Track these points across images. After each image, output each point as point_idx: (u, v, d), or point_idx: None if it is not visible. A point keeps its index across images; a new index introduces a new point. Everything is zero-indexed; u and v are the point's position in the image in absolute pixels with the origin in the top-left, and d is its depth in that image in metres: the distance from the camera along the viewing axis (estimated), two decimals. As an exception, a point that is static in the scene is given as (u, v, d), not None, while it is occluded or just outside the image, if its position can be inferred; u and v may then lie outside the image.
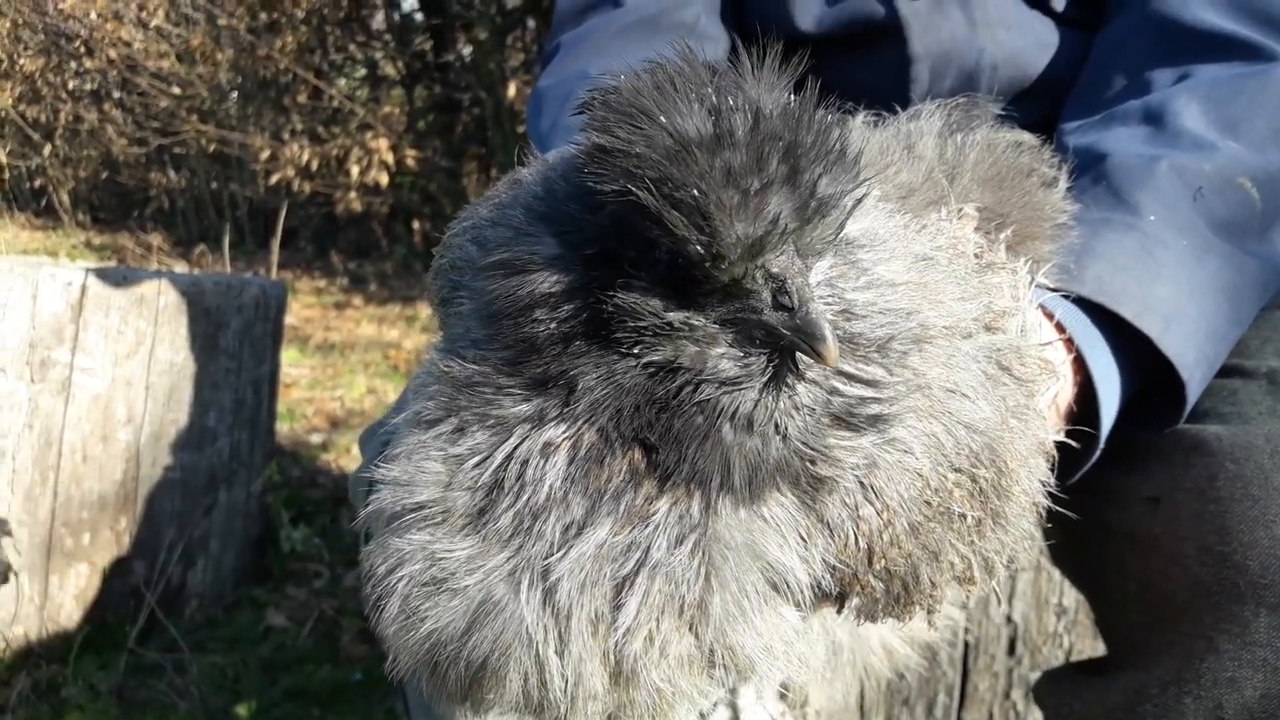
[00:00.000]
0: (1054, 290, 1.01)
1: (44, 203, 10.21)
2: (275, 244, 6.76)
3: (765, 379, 0.65)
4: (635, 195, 0.59)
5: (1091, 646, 1.86)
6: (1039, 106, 1.36)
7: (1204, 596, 0.98)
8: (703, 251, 0.59)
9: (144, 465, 3.02)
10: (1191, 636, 0.99)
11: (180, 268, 7.71)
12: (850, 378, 0.68)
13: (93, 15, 8.21)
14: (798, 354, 0.63)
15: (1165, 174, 1.09)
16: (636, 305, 0.63)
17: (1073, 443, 0.97)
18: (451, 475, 0.69)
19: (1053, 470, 0.87)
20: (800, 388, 0.66)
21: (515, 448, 0.68)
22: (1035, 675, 1.82)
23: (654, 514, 0.67)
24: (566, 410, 0.67)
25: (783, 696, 1.06)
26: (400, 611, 0.70)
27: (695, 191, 0.58)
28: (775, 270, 0.61)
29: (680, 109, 0.59)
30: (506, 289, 0.68)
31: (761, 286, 0.62)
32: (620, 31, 1.43)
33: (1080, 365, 1.00)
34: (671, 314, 0.63)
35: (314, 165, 7.29)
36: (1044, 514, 0.88)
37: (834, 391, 0.68)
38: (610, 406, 0.66)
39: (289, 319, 6.56)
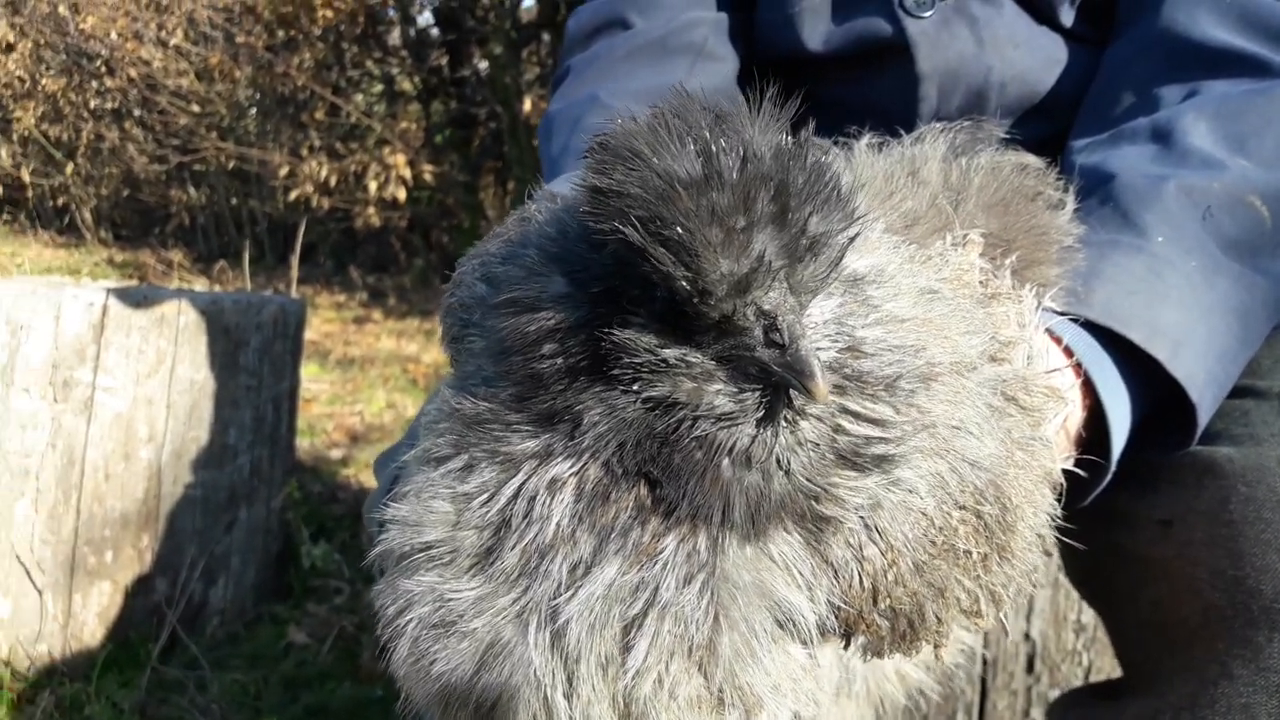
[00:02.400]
0: (1062, 314, 1.01)
1: (66, 221, 10.31)
2: (294, 259, 6.81)
3: (760, 415, 0.66)
4: (625, 234, 0.60)
5: (1111, 664, 1.85)
6: (1048, 123, 1.36)
7: (1218, 621, 0.98)
8: (689, 288, 0.60)
9: (165, 483, 3.04)
10: (1205, 662, 0.98)
11: (201, 284, 7.78)
12: (857, 416, 0.69)
13: (113, 35, 8.29)
14: (791, 390, 0.64)
15: (1173, 194, 1.08)
16: (632, 341, 0.64)
17: (1081, 472, 0.96)
18: (459, 514, 0.70)
19: (1061, 497, 0.87)
20: (804, 424, 0.67)
21: (522, 484, 0.68)
22: (1054, 693, 1.82)
23: (662, 552, 0.67)
24: (572, 445, 0.68)
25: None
26: (410, 654, 0.71)
27: (679, 229, 0.59)
28: (767, 308, 0.62)
29: (672, 151, 0.60)
30: (516, 326, 0.69)
31: (753, 324, 0.62)
32: (629, 54, 1.44)
33: (1089, 389, 1.00)
34: (668, 351, 0.64)
35: (332, 181, 7.34)
36: (1056, 539, 0.88)
37: (839, 430, 0.68)
38: (613, 441, 0.67)
39: (309, 334, 6.60)
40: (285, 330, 3.30)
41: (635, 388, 0.66)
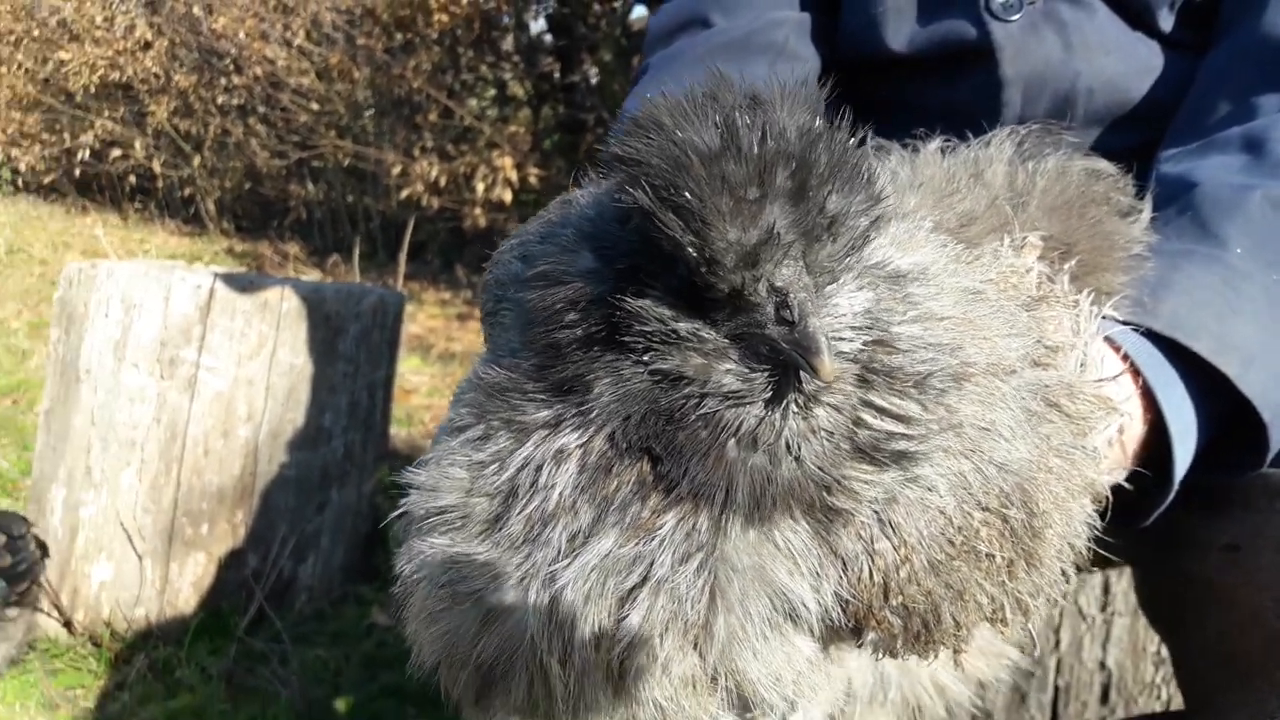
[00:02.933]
0: (1125, 324, 0.98)
1: (192, 211, 10.74)
2: (402, 256, 6.98)
3: (768, 395, 0.65)
4: (638, 199, 0.61)
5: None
6: (1141, 132, 1.32)
7: (1279, 651, 0.94)
8: (696, 255, 0.61)
9: (261, 461, 3.16)
10: (1267, 692, 0.94)
11: (314, 276, 8.02)
12: (881, 411, 0.68)
13: (241, 35, 8.62)
14: (800, 371, 0.63)
15: (1258, 205, 1.04)
16: (645, 311, 0.65)
17: (1128, 485, 0.93)
18: (473, 481, 0.72)
19: (1107, 511, 0.85)
20: (820, 411, 0.66)
21: (531, 453, 0.70)
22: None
23: (660, 528, 0.68)
24: (580, 416, 0.69)
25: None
26: (419, 612, 0.73)
27: (689, 195, 0.60)
28: (779, 284, 0.62)
29: (694, 123, 0.61)
30: (542, 297, 0.71)
31: (766, 300, 0.63)
32: (709, 53, 1.45)
33: (1150, 402, 0.96)
34: (680, 324, 0.65)
35: (442, 181, 7.50)
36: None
37: (860, 423, 0.68)
38: (620, 413, 0.68)
39: (413, 329, 6.77)
40: (384, 320, 3.39)
41: (646, 359, 0.66)
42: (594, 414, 0.68)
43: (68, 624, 3.03)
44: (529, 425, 0.71)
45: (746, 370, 0.65)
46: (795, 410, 0.66)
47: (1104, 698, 1.79)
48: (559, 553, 0.69)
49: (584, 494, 0.68)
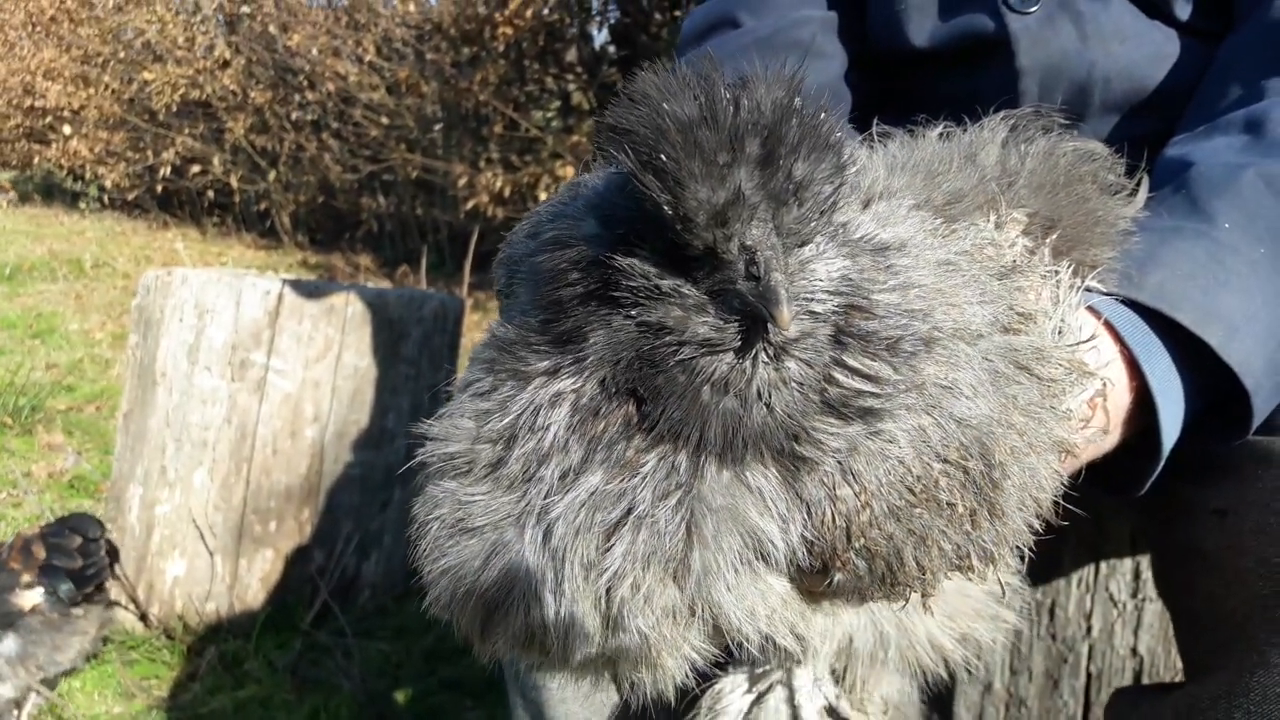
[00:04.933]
0: (1109, 295, 1.01)
1: (268, 224, 11.05)
2: (467, 265, 7.11)
3: (738, 344, 0.71)
4: (623, 162, 0.68)
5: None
6: (1158, 119, 1.34)
7: (1260, 610, 0.96)
8: (671, 212, 0.67)
9: (327, 461, 3.26)
10: (1245, 651, 0.97)
11: (384, 286, 8.20)
12: (853, 371, 0.73)
13: (315, 52, 8.88)
14: (767, 323, 0.69)
15: (1250, 181, 1.06)
16: (631, 268, 0.71)
17: (1121, 457, 0.96)
18: (479, 429, 0.78)
19: (1080, 474, 0.88)
20: (791, 364, 0.72)
21: (531, 397, 0.76)
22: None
23: (643, 466, 0.73)
24: (575, 364, 0.75)
25: (837, 681, 1.09)
26: (429, 551, 0.79)
27: (664, 158, 0.66)
28: (749, 243, 0.68)
29: (677, 97, 0.67)
30: (550, 259, 0.77)
31: (737, 258, 0.68)
32: (738, 51, 1.50)
33: (1136, 371, 0.99)
34: (664, 280, 0.71)
35: (506, 192, 7.63)
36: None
37: (831, 380, 0.73)
38: (609, 360, 0.74)
39: (478, 336, 6.87)
40: (444, 325, 3.48)
41: (633, 312, 0.72)
42: (587, 361, 0.74)
43: (143, 617, 3.17)
44: (530, 374, 0.77)
45: (720, 322, 0.71)
46: (765, 360, 0.71)
47: (1136, 683, 1.79)
48: (551, 488, 0.75)
49: (575, 434, 0.74)
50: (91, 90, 11.52)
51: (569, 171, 7.22)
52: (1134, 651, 1.76)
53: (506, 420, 0.77)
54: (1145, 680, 1.78)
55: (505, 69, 8.19)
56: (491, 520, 0.77)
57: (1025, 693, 1.75)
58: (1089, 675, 1.79)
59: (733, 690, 1.13)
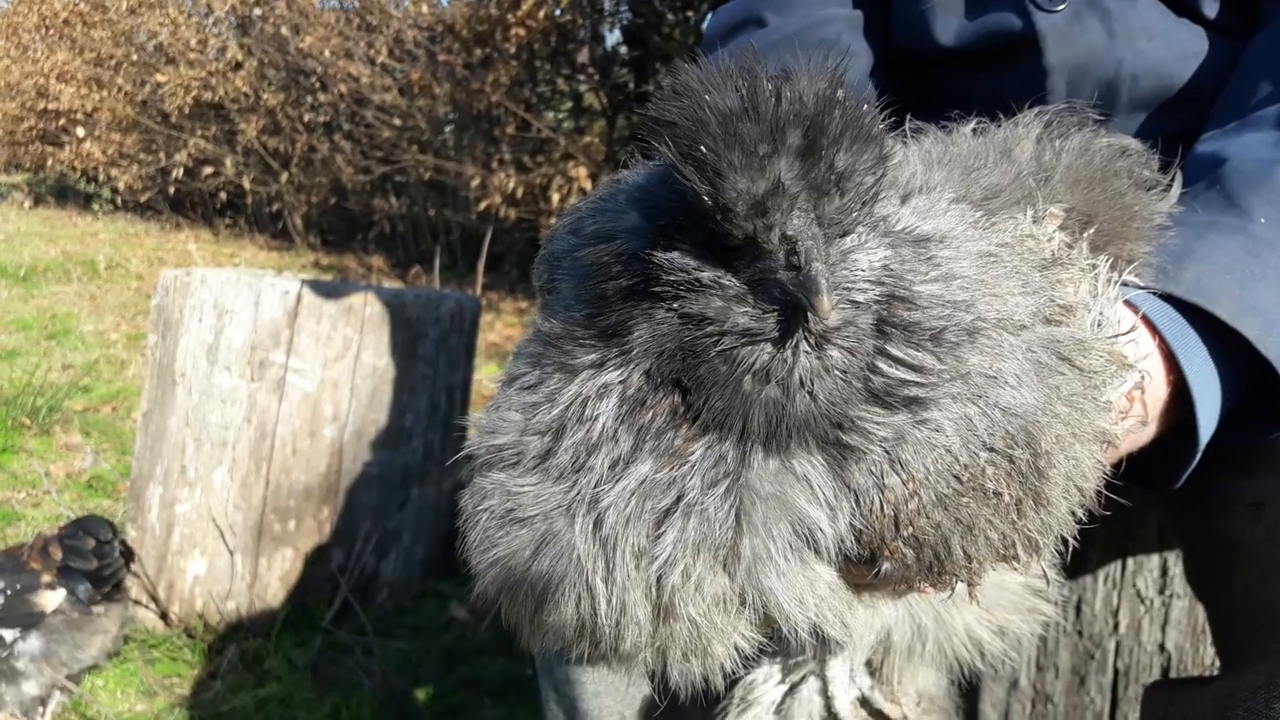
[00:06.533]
0: (1147, 289, 1.01)
1: (280, 226, 11.10)
2: (480, 266, 7.13)
3: (778, 334, 0.71)
4: (664, 154, 0.69)
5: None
6: (1187, 117, 1.34)
7: None
8: (711, 203, 0.68)
9: (346, 460, 3.28)
10: None
11: (396, 287, 8.23)
12: (897, 361, 0.73)
13: (327, 53, 8.91)
14: (807, 312, 0.69)
15: None
16: (672, 261, 0.72)
17: (1157, 451, 0.96)
18: (527, 421, 0.79)
19: (1120, 466, 0.88)
20: (833, 353, 0.72)
21: (579, 390, 0.77)
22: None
23: (691, 455, 0.74)
24: (621, 356, 0.76)
25: (872, 672, 1.10)
26: (479, 541, 0.80)
27: (705, 149, 0.67)
28: (789, 233, 0.68)
29: (718, 89, 0.68)
30: (593, 253, 0.78)
31: (778, 248, 0.69)
32: (765, 50, 1.50)
33: (1173, 364, 1.00)
34: (704, 272, 0.72)
35: (519, 193, 7.65)
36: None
37: (875, 370, 0.73)
38: (653, 351, 0.74)
39: (492, 336, 6.90)
40: (461, 325, 3.49)
41: (675, 305, 0.73)
42: (632, 353, 0.75)
43: (164, 616, 3.18)
44: (577, 367, 0.78)
45: (760, 311, 0.72)
46: (807, 349, 0.72)
47: (1170, 677, 1.79)
48: (601, 478, 0.75)
49: (623, 424, 0.75)
50: (104, 93, 11.59)
51: (581, 172, 7.24)
52: (1162, 648, 1.76)
53: (555, 412, 0.78)
54: (1173, 677, 1.78)
55: (517, 70, 8.21)
56: (542, 510, 0.77)
57: (1052, 689, 1.75)
58: (1116, 672, 1.79)
59: (766, 681, 1.13)
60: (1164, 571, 1.64)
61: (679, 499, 0.74)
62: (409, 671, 3.03)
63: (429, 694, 2.95)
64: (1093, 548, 1.69)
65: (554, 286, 0.91)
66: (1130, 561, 1.66)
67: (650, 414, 0.75)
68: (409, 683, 2.97)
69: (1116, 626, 1.70)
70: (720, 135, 0.67)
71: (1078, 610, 1.73)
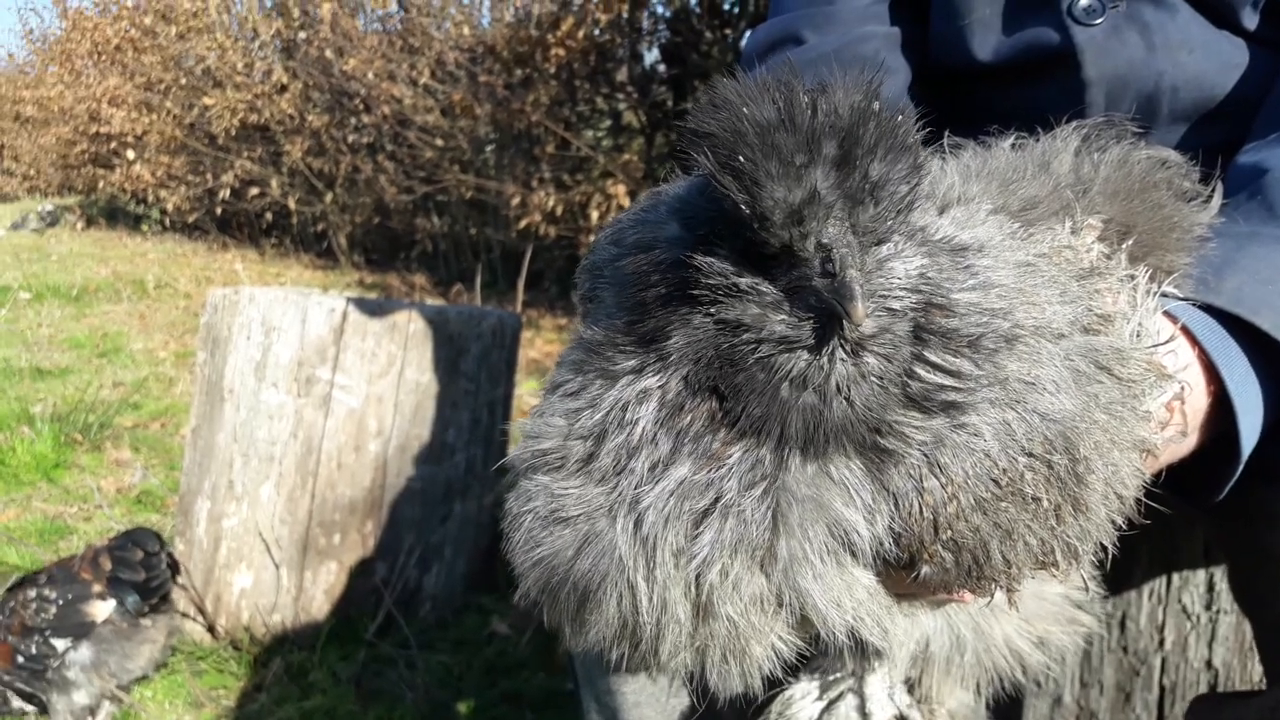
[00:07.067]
0: (1187, 300, 1.01)
1: (325, 245, 11.25)
2: (520, 283, 7.18)
3: (814, 341, 0.73)
4: (703, 164, 0.71)
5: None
6: (1228, 129, 1.34)
7: None
8: (749, 211, 0.69)
9: (390, 475, 3.31)
10: None
11: (438, 304, 8.32)
12: (935, 367, 0.75)
13: (370, 75, 9.04)
14: (842, 320, 0.70)
15: None
16: (710, 266, 0.74)
17: (1199, 464, 0.96)
18: (570, 426, 0.81)
19: (1161, 476, 0.88)
20: (870, 359, 0.73)
21: (619, 395, 0.79)
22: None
23: (729, 458, 0.75)
24: (659, 362, 0.78)
25: (910, 690, 1.10)
26: (523, 542, 0.82)
27: (743, 159, 0.69)
28: (825, 241, 0.70)
29: (756, 101, 0.70)
30: (634, 261, 0.80)
31: (814, 256, 0.70)
32: (802, 66, 1.51)
33: (1213, 375, 0.99)
34: (742, 279, 0.73)
35: (558, 210, 7.70)
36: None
37: (913, 375, 0.74)
38: (690, 357, 0.76)
39: (532, 353, 6.95)
40: (502, 341, 3.53)
41: (712, 311, 0.75)
42: (670, 358, 0.77)
43: (211, 629, 3.23)
44: (618, 373, 0.80)
45: (796, 319, 0.73)
46: (843, 356, 0.73)
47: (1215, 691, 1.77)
48: (641, 480, 0.77)
49: (662, 428, 0.77)
50: (154, 116, 11.84)
51: (620, 190, 7.27)
52: (1209, 664, 1.74)
53: (597, 417, 0.80)
54: (1220, 693, 1.76)
55: (557, 89, 8.28)
56: (585, 511, 0.79)
57: (1096, 706, 1.73)
58: (1162, 689, 1.77)
59: (803, 697, 1.14)
60: (1210, 587, 1.63)
61: (716, 500, 0.76)
62: (451, 685, 3.06)
63: (470, 707, 2.97)
64: (1137, 563, 1.68)
65: (596, 295, 0.93)
66: (1176, 577, 1.64)
67: (689, 418, 0.76)
68: (451, 696, 2.99)
69: (1162, 643, 1.68)
70: (758, 146, 0.68)
71: (1122, 626, 1.71)
